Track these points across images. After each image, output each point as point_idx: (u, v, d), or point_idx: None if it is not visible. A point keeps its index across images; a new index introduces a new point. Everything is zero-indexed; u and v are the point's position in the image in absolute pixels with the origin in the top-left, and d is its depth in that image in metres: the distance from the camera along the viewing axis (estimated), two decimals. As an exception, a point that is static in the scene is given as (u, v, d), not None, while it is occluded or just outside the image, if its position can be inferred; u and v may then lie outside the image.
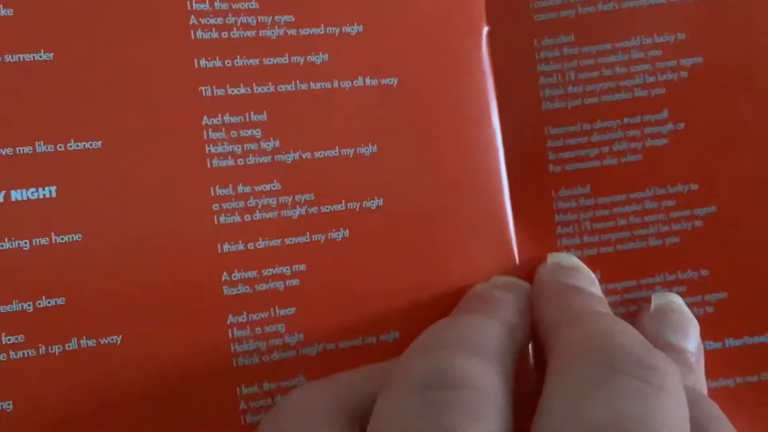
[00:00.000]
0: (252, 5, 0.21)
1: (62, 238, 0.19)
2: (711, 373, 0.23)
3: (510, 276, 0.22)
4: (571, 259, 0.22)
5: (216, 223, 0.20)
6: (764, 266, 0.23)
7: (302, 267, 0.21)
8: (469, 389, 0.15)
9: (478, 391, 0.15)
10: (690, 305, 0.23)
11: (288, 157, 0.21)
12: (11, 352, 0.18)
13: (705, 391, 0.22)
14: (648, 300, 0.23)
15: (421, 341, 0.18)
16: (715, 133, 0.23)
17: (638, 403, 0.15)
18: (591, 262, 0.23)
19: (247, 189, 0.20)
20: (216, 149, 0.20)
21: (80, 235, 0.19)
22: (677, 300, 0.22)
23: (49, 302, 0.19)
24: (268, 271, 0.20)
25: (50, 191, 0.19)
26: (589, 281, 0.21)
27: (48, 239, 0.19)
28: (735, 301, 0.23)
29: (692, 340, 0.22)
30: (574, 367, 0.16)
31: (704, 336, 0.23)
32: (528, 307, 0.21)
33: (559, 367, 0.16)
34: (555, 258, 0.22)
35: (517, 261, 0.22)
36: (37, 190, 0.19)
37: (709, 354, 0.23)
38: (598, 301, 0.21)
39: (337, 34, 0.21)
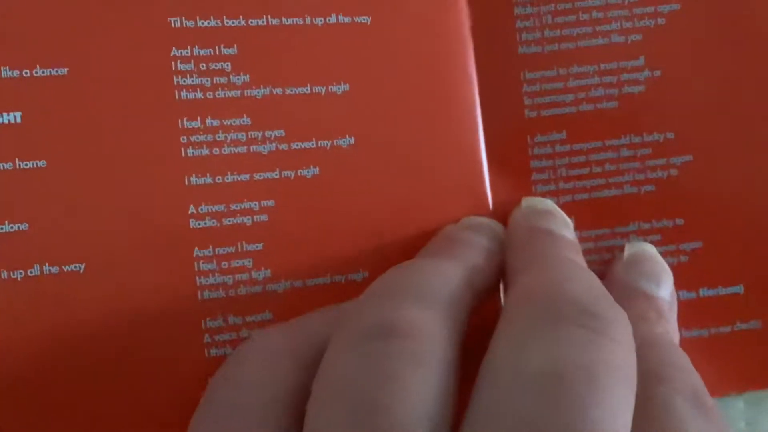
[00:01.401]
0: (224, -62, 0.20)
1: (26, 164, 0.19)
2: (685, 323, 0.23)
3: (483, 217, 0.21)
4: (546, 203, 0.22)
5: (183, 155, 0.20)
6: (739, 216, 0.23)
7: (271, 203, 0.20)
8: (412, 338, 0.15)
9: (421, 339, 0.15)
10: (664, 254, 0.23)
11: (258, 92, 0.20)
12: (-27, 278, 0.18)
13: (677, 339, 0.22)
14: (622, 248, 0.23)
15: (372, 289, 0.18)
16: (692, 81, 0.23)
17: (577, 350, 0.15)
18: (566, 209, 0.23)
19: (216, 122, 0.20)
20: (184, 81, 0.20)
21: (45, 162, 0.19)
22: (650, 249, 0.22)
23: (12, 227, 0.19)
24: (236, 206, 0.20)
25: (15, 117, 0.19)
26: (563, 225, 0.21)
27: (12, 164, 0.19)
28: (710, 251, 0.23)
29: (665, 288, 0.21)
30: (520, 315, 0.16)
31: (678, 286, 0.23)
32: (498, 249, 0.21)
33: (507, 315, 0.17)
34: (529, 201, 0.22)
35: (491, 206, 0.22)
36: (2, 116, 0.19)
37: (683, 304, 0.23)
38: (569, 246, 0.21)
39: (309, -31, 0.21)
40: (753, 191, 0.23)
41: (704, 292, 0.23)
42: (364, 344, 0.15)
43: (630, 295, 0.21)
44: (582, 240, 0.23)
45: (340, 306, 0.19)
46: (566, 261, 0.20)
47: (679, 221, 0.23)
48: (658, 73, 0.23)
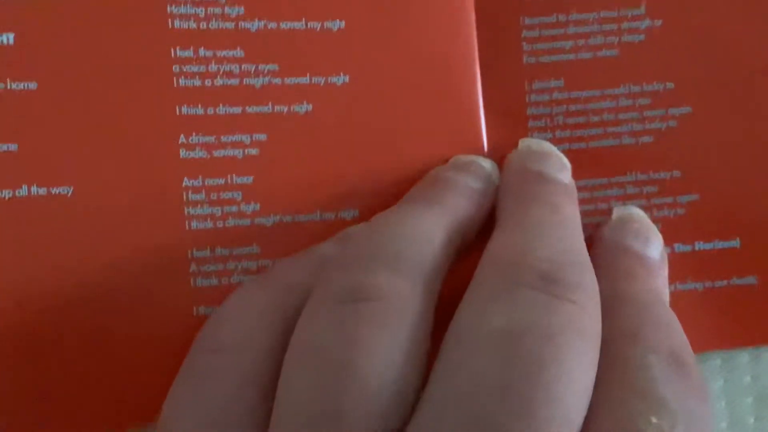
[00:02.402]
0: None
1: (18, 85, 0.19)
2: (680, 276, 0.22)
3: (473, 155, 0.21)
4: (542, 144, 0.21)
5: (175, 84, 0.20)
6: (738, 170, 0.23)
7: (263, 137, 0.20)
8: (380, 301, 0.16)
9: (390, 303, 0.16)
10: (661, 206, 0.23)
11: (252, 25, 0.20)
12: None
13: (667, 299, 0.21)
14: (618, 198, 0.22)
15: (349, 250, 0.18)
16: (693, 32, 0.23)
17: (536, 312, 0.15)
18: (561, 158, 0.22)
19: (209, 53, 0.20)
20: (178, 10, 0.20)
21: (36, 84, 0.19)
22: (639, 211, 0.22)
23: (1, 147, 0.19)
24: (227, 138, 0.20)
25: (8, 38, 0.19)
26: (558, 167, 0.21)
27: (3, 85, 0.19)
28: (707, 204, 0.23)
29: (655, 248, 0.21)
30: (486, 278, 0.17)
31: (674, 238, 0.22)
32: (487, 189, 0.20)
33: (476, 276, 0.17)
34: (526, 142, 0.21)
35: (486, 150, 0.22)
36: (-5, 38, 0.19)
37: (678, 257, 0.22)
38: (560, 191, 0.20)
39: None
40: (752, 145, 0.23)
41: (700, 245, 0.23)
42: (335, 308, 0.16)
43: (619, 254, 0.20)
44: (578, 190, 0.22)
45: (319, 250, 0.19)
46: (546, 216, 0.19)
47: (677, 173, 0.23)
48: (658, 22, 0.23)
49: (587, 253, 0.18)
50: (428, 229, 0.18)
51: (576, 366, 0.15)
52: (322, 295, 0.16)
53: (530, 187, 0.20)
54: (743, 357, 0.23)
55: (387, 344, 0.15)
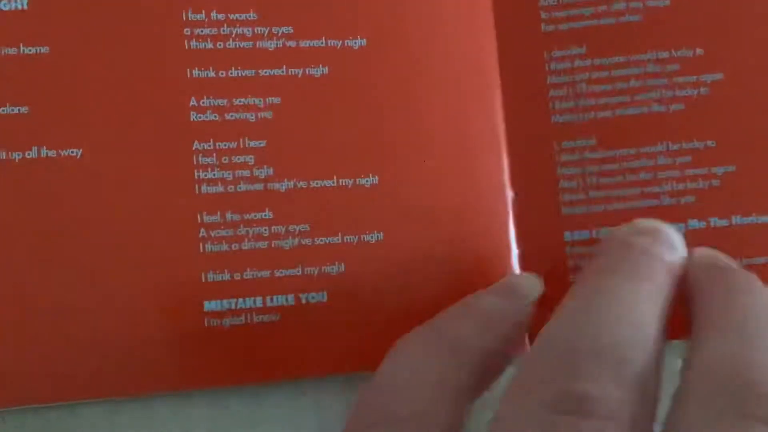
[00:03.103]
0: None
1: (30, 50, 0.19)
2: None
3: (655, 220, 0.19)
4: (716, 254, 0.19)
5: (187, 47, 0.20)
6: (776, 139, 0.21)
7: (276, 100, 0.20)
8: (605, 420, 0.14)
9: (610, 421, 0.14)
10: (695, 178, 0.21)
11: (266, -10, 0.20)
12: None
13: None
14: (645, 174, 0.21)
15: (557, 339, 0.16)
16: (724, -7, 0.22)
17: None
18: (587, 128, 0.22)
19: (221, 16, 0.20)
20: (190, -27, 0.20)
21: (48, 48, 0.19)
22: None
23: (12, 109, 0.19)
24: (239, 101, 0.20)
25: (22, 4, 0.19)
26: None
27: (17, 50, 0.19)
28: (743, 175, 0.21)
29: None
30: (705, 395, 0.15)
31: (710, 212, 0.21)
32: (680, 262, 0.18)
33: (689, 386, 0.15)
34: (705, 255, 0.19)
35: (503, 118, 0.21)
36: (10, 2, 0.19)
37: (713, 231, 0.21)
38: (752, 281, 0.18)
39: None
40: (791, 111, 0.21)
41: (737, 219, 0.21)
42: (548, 414, 0.14)
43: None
44: (605, 161, 0.22)
45: (481, 303, 0.18)
46: (759, 307, 0.17)
47: (711, 143, 0.21)
48: (685, -15, 0.22)
49: None
50: (647, 317, 0.16)
51: None
52: (532, 391, 0.15)
53: (728, 277, 0.18)
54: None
55: None
